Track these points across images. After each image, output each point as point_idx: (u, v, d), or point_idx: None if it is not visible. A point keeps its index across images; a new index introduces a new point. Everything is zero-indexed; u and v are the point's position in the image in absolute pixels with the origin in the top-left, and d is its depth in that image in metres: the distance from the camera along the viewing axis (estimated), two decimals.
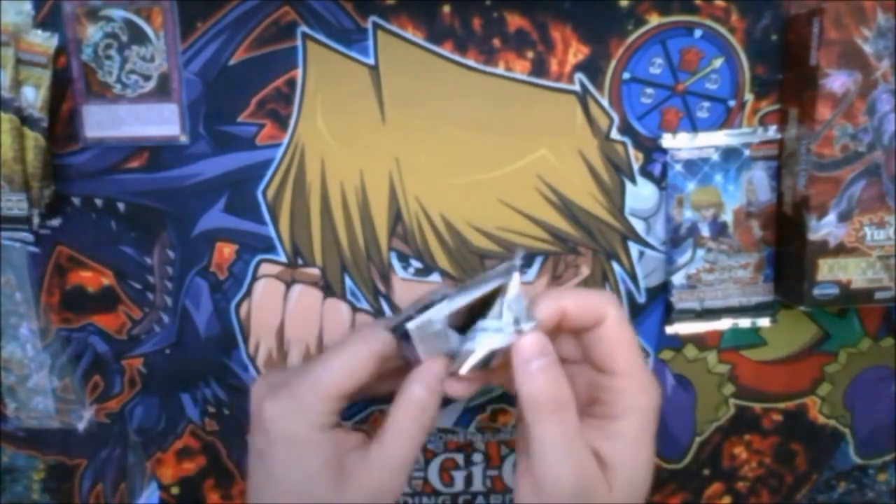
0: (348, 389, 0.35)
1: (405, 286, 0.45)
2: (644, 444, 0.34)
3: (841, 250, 0.41)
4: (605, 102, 0.43)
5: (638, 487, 0.34)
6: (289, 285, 0.45)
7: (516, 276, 0.33)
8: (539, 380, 0.33)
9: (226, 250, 0.45)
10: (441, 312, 0.34)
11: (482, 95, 0.43)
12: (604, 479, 0.33)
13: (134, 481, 0.48)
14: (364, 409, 0.47)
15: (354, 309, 0.46)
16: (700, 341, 0.47)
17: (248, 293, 0.45)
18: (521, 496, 0.35)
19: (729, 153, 0.43)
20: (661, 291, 0.46)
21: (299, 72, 0.43)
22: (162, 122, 0.43)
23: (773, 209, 0.44)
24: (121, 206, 0.44)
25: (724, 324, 0.45)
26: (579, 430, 0.33)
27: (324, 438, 0.34)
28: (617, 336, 0.34)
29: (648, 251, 0.45)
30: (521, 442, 0.37)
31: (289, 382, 0.35)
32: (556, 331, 0.35)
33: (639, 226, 0.45)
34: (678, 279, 0.45)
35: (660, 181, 0.44)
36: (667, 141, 0.43)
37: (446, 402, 0.47)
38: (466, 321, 0.35)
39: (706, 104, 0.43)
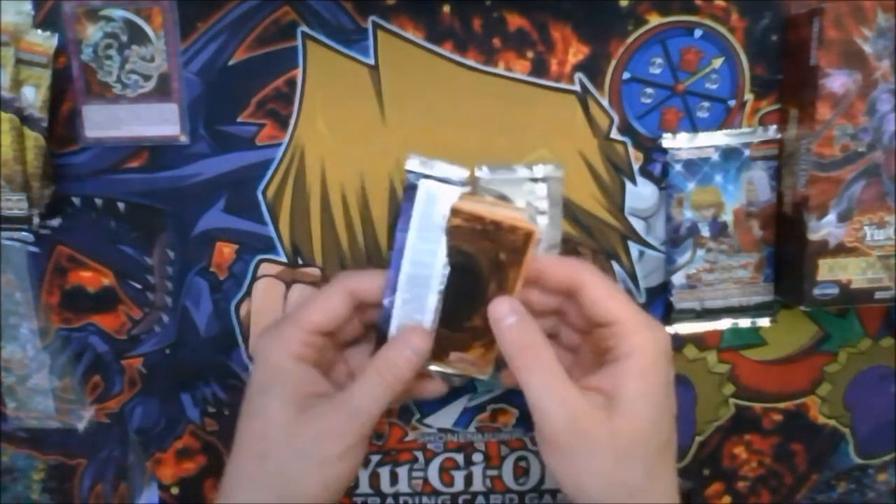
0: (321, 323, 0.38)
1: None
2: (651, 379, 0.35)
3: (841, 250, 0.41)
4: (605, 102, 0.43)
5: (650, 420, 0.35)
6: (289, 285, 0.45)
7: None
8: (512, 334, 0.37)
9: (226, 250, 0.45)
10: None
11: (482, 95, 0.43)
12: (594, 409, 0.35)
13: (134, 481, 0.48)
14: None
15: None
16: (700, 341, 0.47)
17: (248, 293, 0.45)
18: (543, 455, 0.37)
19: (729, 153, 0.43)
20: (661, 291, 0.46)
21: (299, 72, 0.43)
22: (162, 122, 0.43)
23: (773, 209, 0.44)
24: (121, 206, 0.44)
25: (724, 324, 0.45)
26: (559, 372, 0.35)
27: (295, 368, 0.37)
28: (600, 291, 0.37)
29: (648, 251, 0.45)
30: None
31: (277, 321, 0.40)
32: (535, 286, 0.39)
33: (639, 226, 0.45)
34: (678, 279, 0.45)
35: (660, 181, 0.44)
36: (667, 141, 0.43)
37: (446, 401, 0.47)
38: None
39: (706, 104, 0.43)
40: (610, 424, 0.34)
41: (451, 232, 0.38)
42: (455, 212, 0.38)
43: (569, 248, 0.45)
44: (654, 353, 0.36)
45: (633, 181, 0.44)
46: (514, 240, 0.38)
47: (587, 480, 0.35)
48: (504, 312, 0.37)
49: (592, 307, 0.37)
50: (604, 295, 0.37)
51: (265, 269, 0.45)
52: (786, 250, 0.43)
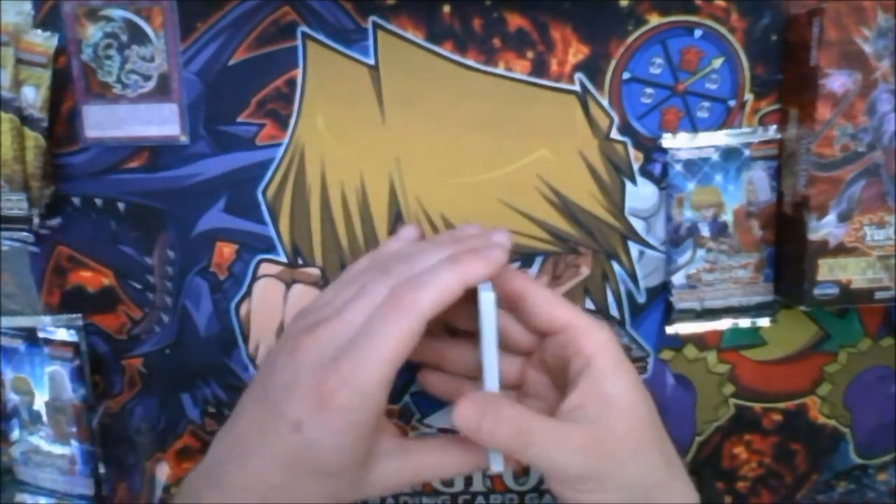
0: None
1: None
2: (624, 370, 0.35)
3: (841, 250, 0.41)
4: (605, 102, 0.43)
5: (640, 408, 0.35)
6: (289, 285, 0.45)
7: None
8: (498, 432, 0.33)
9: (226, 250, 0.45)
10: None
11: (482, 95, 0.43)
12: (591, 426, 0.34)
13: (134, 481, 0.48)
14: None
15: None
16: (700, 341, 0.47)
17: (248, 293, 0.45)
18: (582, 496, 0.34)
19: (729, 153, 0.43)
20: (661, 291, 0.46)
21: (299, 72, 0.43)
22: (162, 122, 0.43)
23: (773, 209, 0.44)
24: (121, 206, 0.44)
25: (724, 324, 0.45)
26: (551, 426, 0.33)
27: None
28: (544, 298, 0.37)
29: (648, 251, 0.45)
30: None
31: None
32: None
33: (639, 226, 0.45)
34: (678, 279, 0.45)
35: (660, 181, 0.44)
36: (667, 141, 0.43)
37: (446, 401, 0.47)
38: None
39: (706, 104, 0.43)
40: (613, 430, 0.34)
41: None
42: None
43: (568, 248, 0.45)
44: (613, 345, 0.35)
45: (633, 181, 0.44)
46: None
47: (631, 492, 0.34)
48: (477, 417, 0.33)
49: (538, 313, 0.36)
50: (547, 301, 0.37)
51: (265, 269, 0.45)
52: (786, 250, 0.43)
